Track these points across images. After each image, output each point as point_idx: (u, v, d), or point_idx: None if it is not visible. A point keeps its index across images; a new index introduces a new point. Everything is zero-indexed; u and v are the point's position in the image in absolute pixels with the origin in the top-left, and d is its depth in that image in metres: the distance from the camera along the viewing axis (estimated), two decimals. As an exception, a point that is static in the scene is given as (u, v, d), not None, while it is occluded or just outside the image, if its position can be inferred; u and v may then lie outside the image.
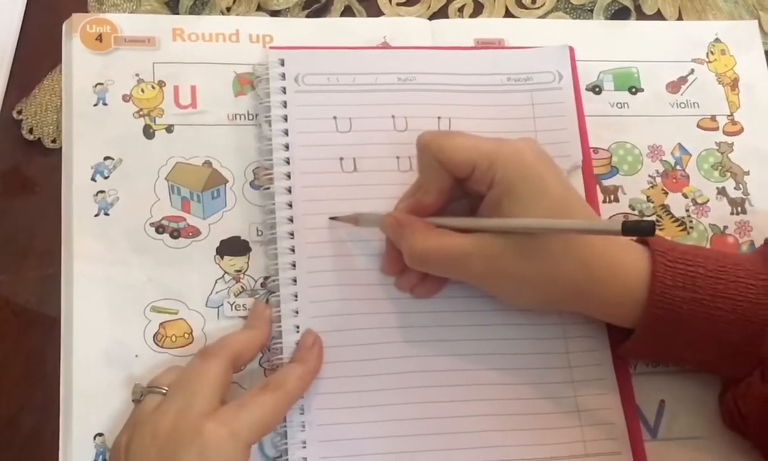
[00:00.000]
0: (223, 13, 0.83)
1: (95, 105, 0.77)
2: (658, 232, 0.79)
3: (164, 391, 0.65)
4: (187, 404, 0.62)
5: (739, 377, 0.68)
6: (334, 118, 0.77)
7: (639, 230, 0.59)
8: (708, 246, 0.79)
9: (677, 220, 0.80)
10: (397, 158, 0.77)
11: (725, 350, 0.66)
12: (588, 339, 0.74)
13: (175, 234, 0.74)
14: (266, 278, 0.74)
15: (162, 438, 0.61)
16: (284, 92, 0.77)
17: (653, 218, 0.80)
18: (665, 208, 0.80)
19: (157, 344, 0.71)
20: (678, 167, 0.82)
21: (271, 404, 0.65)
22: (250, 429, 0.62)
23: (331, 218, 0.74)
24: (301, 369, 0.68)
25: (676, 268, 0.66)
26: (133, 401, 0.67)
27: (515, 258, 0.66)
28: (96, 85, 0.77)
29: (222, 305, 0.73)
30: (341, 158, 0.76)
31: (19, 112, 0.77)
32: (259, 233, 0.75)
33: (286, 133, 0.76)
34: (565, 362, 0.73)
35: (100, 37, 0.79)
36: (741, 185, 0.82)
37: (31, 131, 0.77)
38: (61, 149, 0.76)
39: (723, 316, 0.65)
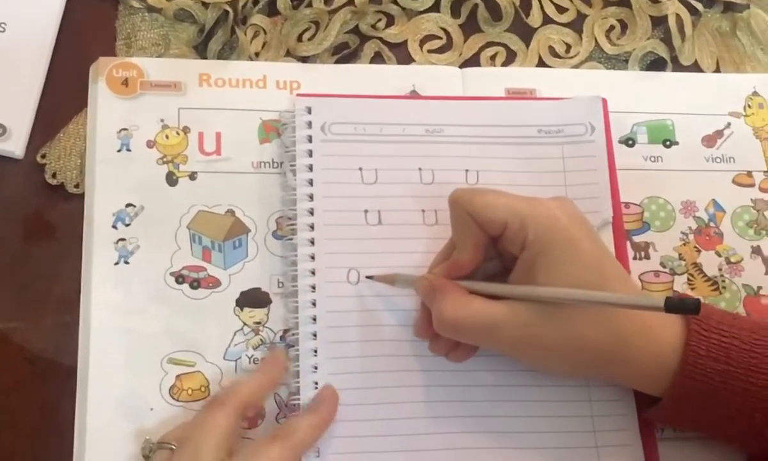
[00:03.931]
0: (251, 59, 0.82)
1: (119, 151, 0.76)
2: (689, 291, 0.77)
3: (173, 446, 0.64)
4: (194, 459, 0.62)
5: (765, 455, 0.66)
6: (360, 169, 0.76)
7: (684, 308, 0.58)
8: (741, 307, 0.77)
9: (709, 279, 0.78)
10: (423, 211, 0.76)
11: (754, 426, 0.64)
12: (614, 403, 0.72)
13: (195, 285, 0.73)
14: (286, 331, 0.73)
15: None
16: (310, 141, 0.77)
17: (684, 275, 0.78)
18: (697, 266, 0.79)
19: (172, 397, 0.70)
20: (712, 224, 0.80)
21: (279, 454, 0.64)
22: None
23: (368, 277, 0.73)
24: (312, 418, 0.67)
25: (710, 338, 0.64)
26: (143, 457, 0.66)
27: (547, 326, 0.64)
28: (120, 131, 0.77)
29: (240, 358, 0.72)
30: (366, 211, 0.75)
31: (43, 157, 0.77)
32: (280, 284, 0.74)
33: (311, 183, 0.75)
34: (590, 426, 0.71)
35: (126, 82, 0.79)
36: (777, 244, 0.80)
37: (54, 176, 0.76)
38: (83, 194, 0.76)
39: (756, 391, 0.63)
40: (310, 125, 0.77)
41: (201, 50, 0.83)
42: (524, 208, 0.66)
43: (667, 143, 0.83)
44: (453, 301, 0.67)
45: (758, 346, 0.64)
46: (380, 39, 0.85)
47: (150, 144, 0.77)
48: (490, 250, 0.69)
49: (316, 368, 0.70)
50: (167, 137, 0.77)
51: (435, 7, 0.87)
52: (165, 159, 0.77)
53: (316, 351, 0.71)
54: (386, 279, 0.73)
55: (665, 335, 0.65)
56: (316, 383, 0.70)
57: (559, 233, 0.65)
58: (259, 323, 0.73)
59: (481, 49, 0.86)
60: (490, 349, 0.70)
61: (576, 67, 0.86)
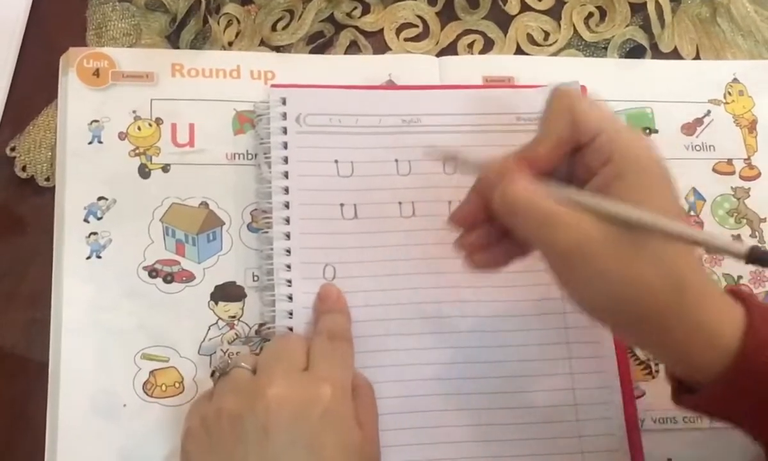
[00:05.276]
0: (224, 48, 0.81)
1: (90, 143, 0.75)
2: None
3: (250, 369, 0.65)
4: (276, 357, 0.66)
5: None
6: (336, 161, 0.75)
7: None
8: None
9: (690, 269, 0.77)
10: (400, 203, 0.75)
11: None
12: (598, 391, 0.72)
13: (169, 279, 0.72)
14: (261, 325, 0.72)
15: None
16: (285, 133, 0.75)
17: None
18: (677, 256, 0.78)
19: (146, 394, 0.69)
20: (692, 213, 0.79)
21: (346, 346, 0.68)
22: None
23: (427, 148, 0.74)
24: (336, 315, 0.70)
25: None
26: (214, 372, 0.66)
27: (608, 250, 0.57)
28: (91, 123, 0.76)
29: (215, 352, 0.71)
30: (342, 204, 0.74)
31: (13, 150, 0.76)
32: (256, 278, 0.73)
33: (286, 175, 0.74)
34: (573, 415, 0.71)
35: (97, 72, 0.77)
36: (757, 233, 0.79)
37: (24, 169, 0.75)
38: (54, 188, 0.74)
39: None
40: (284, 116, 0.76)
41: (173, 40, 0.81)
42: (620, 125, 0.62)
43: (647, 131, 0.82)
44: (524, 183, 0.60)
45: None
46: (356, 28, 0.84)
47: (122, 136, 0.76)
48: (562, 168, 0.63)
49: (292, 362, 0.69)
50: (139, 128, 0.76)
51: (411, -5, 0.86)
52: (137, 151, 0.75)
53: (292, 346, 0.70)
54: (447, 156, 0.73)
55: (725, 311, 0.59)
56: (292, 378, 0.69)
57: (648, 163, 0.60)
58: (234, 317, 0.72)
59: (459, 37, 0.85)
60: (533, 249, 0.64)
61: (554, 54, 0.85)
